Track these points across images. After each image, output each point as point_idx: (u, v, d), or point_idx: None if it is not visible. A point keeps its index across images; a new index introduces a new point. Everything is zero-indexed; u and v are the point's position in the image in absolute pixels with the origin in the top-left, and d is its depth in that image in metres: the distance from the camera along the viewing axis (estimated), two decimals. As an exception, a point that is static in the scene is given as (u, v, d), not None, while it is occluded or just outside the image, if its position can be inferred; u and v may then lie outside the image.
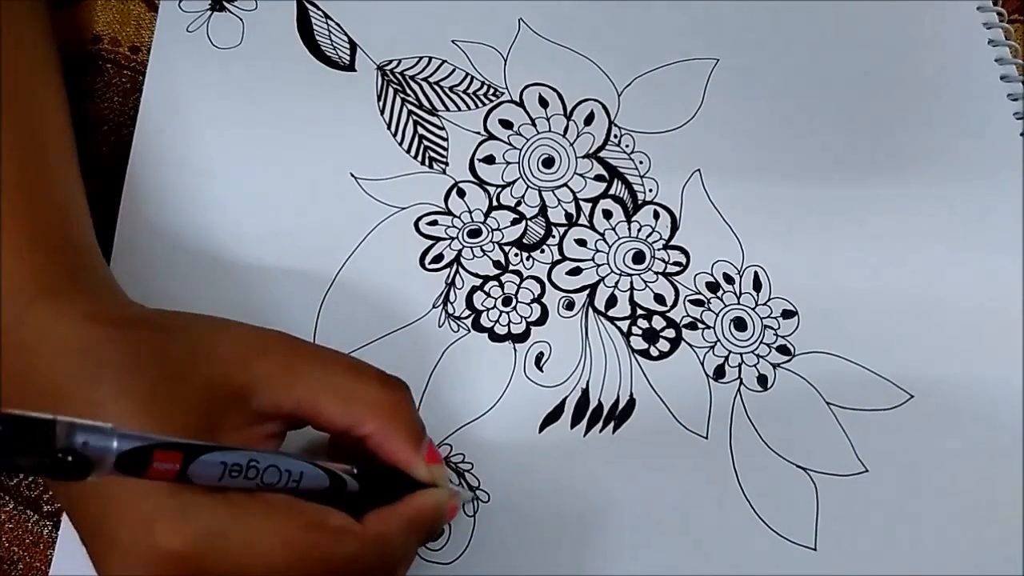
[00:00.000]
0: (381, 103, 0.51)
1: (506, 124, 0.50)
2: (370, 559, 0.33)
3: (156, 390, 0.32)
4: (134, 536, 0.30)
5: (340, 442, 0.38)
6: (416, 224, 0.48)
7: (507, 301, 0.47)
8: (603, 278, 0.47)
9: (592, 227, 0.48)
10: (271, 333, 0.36)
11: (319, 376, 0.35)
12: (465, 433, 0.44)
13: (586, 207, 0.49)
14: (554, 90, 0.51)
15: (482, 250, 0.48)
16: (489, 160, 0.50)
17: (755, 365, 0.45)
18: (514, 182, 0.49)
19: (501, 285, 0.47)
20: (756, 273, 0.47)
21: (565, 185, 0.49)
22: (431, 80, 0.51)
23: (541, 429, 0.44)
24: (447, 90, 0.51)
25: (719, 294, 0.47)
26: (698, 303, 0.47)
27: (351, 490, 0.35)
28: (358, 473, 0.35)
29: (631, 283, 0.47)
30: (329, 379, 0.36)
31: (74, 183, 0.41)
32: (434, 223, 0.48)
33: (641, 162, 0.50)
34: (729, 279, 0.47)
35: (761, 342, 0.46)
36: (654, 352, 0.46)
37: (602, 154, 0.50)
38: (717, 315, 0.47)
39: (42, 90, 0.42)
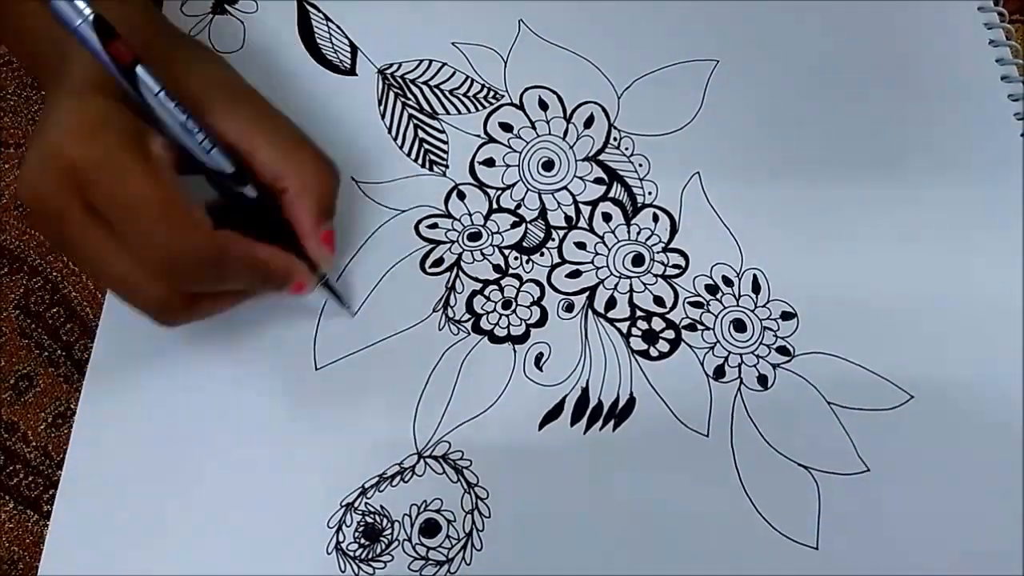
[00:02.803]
0: (382, 106, 0.51)
1: (506, 127, 0.50)
2: (200, 256, 0.38)
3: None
4: (51, 142, 0.36)
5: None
6: (416, 227, 0.48)
7: (507, 304, 0.47)
8: (603, 280, 0.47)
9: (592, 230, 0.48)
10: (246, 88, 0.42)
11: (267, 127, 0.41)
12: (464, 431, 0.44)
13: (586, 210, 0.49)
14: (554, 92, 0.51)
15: (482, 253, 0.48)
16: (489, 163, 0.50)
17: (755, 365, 0.45)
18: (514, 185, 0.49)
19: (501, 289, 0.47)
20: (755, 275, 0.47)
21: (565, 188, 0.49)
22: (431, 83, 0.51)
23: (541, 427, 0.44)
24: (447, 93, 0.51)
25: (718, 296, 0.47)
26: (697, 305, 0.47)
27: (247, 201, 0.41)
28: (258, 201, 0.41)
29: (630, 285, 0.47)
30: (275, 133, 0.41)
31: None
32: (434, 226, 0.48)
33: (641, 165, 0.50)
34: (728, 281, 0.47)
35: (761, 343, 0.46)
36: (654, 352, 0.46)
37: (602, 157, 0.50)
38: (716, 317, 0.46)
39: None
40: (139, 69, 0.36)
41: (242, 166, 0.40)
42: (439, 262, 0.47)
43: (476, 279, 0.47)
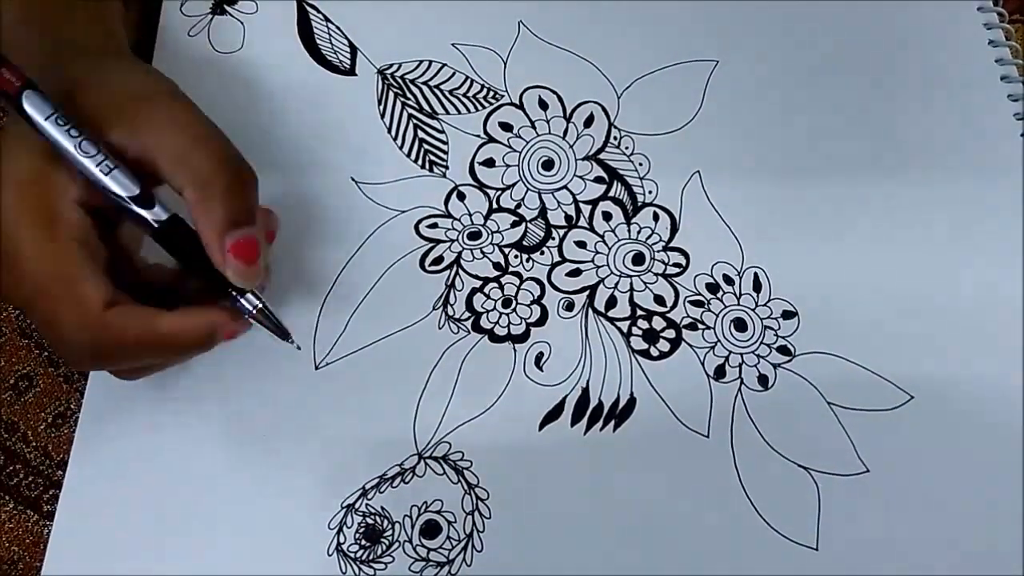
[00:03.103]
0: (381, 107, 0.51)
1: (506, 127, 0.50)
2: (91, 344, 0.35)
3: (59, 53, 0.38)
4: None
5: None
6: (416, 227, 0.48)
7: (507, 303, 0.47)
8: (603, 279, 0.47)
9: (592, 229, 0.48)
10: (161, 87, 0.38)
11: (168, 130, 0.37)
12: (464, 431, 0.44)
13: (586, 209, 0.49)
14: (554, 92, 0.51)
15: (482, 252, 0.48)
16: (489, 163, 0.50)
17: (755, 365, 0.45)
18: (514, 185, 0.49)
19: (501, 287, 0.47)
20: (756, 274, 0.47)
21: (565, 187, 0.49)
22: (431, 83, 0.51)
23: (541, 427, 0.44)
24: (447, 93, 0.51)
25: (719, 295, 0.47)
26: (698, 304, 0.47)
27: (155, 223, 0.37)
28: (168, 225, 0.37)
29: (631, 284, 0.47)
30: (175, 135, 0.37)
31: None
32: (434, 226, 0.48)
33: (641, 164, 0.50)
34: (729, 280, 0.47)
35: (761, 342, 0.46)
36: (654, 352, 0.46)
37: (602, 156, 0.50)
38: (717, 316, 0.46)
39: None
40: (25, 96, 0.34)
41: (147, 186, 0.37)
42: (439, 260, 0.47)
43: (476, 277, 0.47)
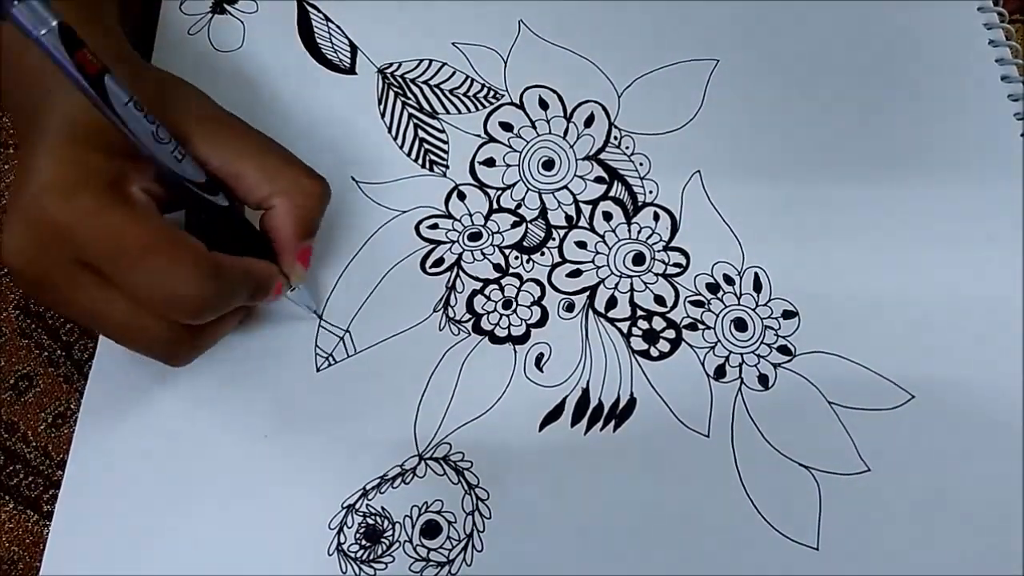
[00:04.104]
0: (382, 106, 0.51)
1: (506, 126, 0.50)
2: (200, 283, 0.37)
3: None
4: (29, 203, 0.36)
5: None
6: (417, 227, 0.48)
7: (507, 304, 0.47)
8: (603, 280, 0.47)
9: (592, 229, 0.48)
10: (227, 115, 0.42)
11: (252, 151, 0.41)
12: (464, 432, 0.44)
13: (586, 209, 0.49)
14: (554, 92, 0.51)
15: (482, 253, 0.48)
16: (489, 163, 0.50)
17: (756, 365, 0.45)
18: (514, 185, 0.49)
19: (501, 288, 0.47)
20: (756, 274, 0.47)
21: (565, 187, 0.49)
22: (431, 83, 0.51)
23: (541, 428, 0.44)
24: (447, 93, 0.51)
25: (719, 295, 0.47)
26: (698, 304, 0.47)
27: (217, 212, 0.40)
28: (228, 210, 0.41)
29: (631, 285, 0.47)
30: (261, 157, 0.41)
31: None
32: (435, 226, 0.48)
33: (641, 164, 0.50)
34: (729, 280, 0.47)
35: (762, 342, 0.46)
36: (654, 352, 0.46)
37: (602, 156, 0.50)
38: (717, 316, 0.46)
39: None
40: (107, 79, 0.34)
41: (212, 182, 0.40)
42: (439, 262, 0.47)
43: (476, 278, 0.47)
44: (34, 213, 0.35)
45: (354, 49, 0.52)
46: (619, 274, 0.47)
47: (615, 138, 0.50)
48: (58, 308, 0.44)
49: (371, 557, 0.42)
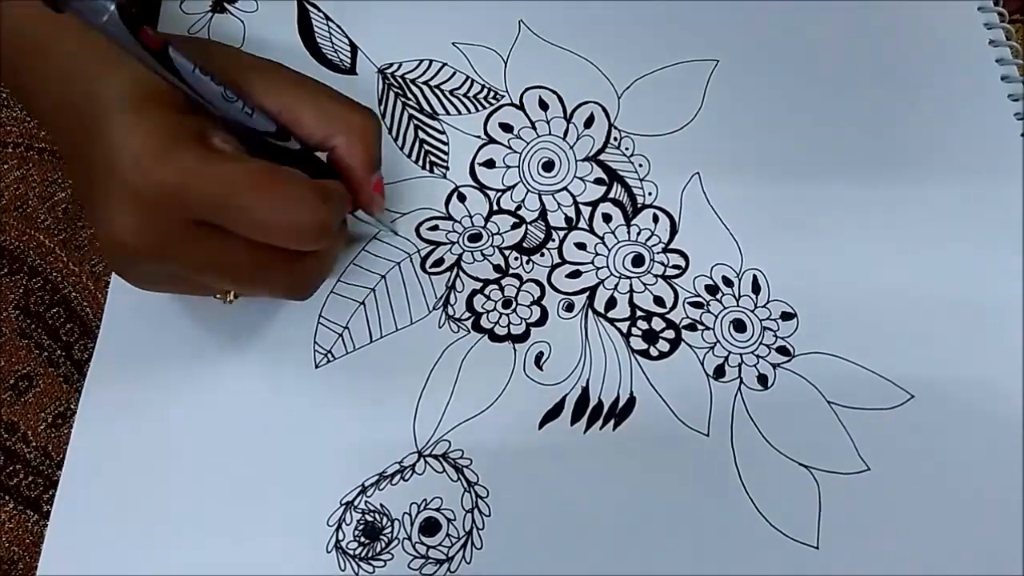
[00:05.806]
0: (382, 106, 0.51)
1: (506, 128, 0.51)
2: (316, 199, 0.38)
3: None
4: (126, 176, 0.35)
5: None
6: (417, 229, 0.48)
7: (507, 304, 0.47)
8: (603, 281, 0.47)
9: (592, 231, 0.48)
10: (266, 62, 0.42)
11: (305, 94, 0.41)
12: (464, 430, 0.44)
13: (586, 211, 0.49)
14: (554, 93, 0.51)
15: (482, 254, 0.48)
16: (489, 164, 0.50)
17: (755, 365, 0.45)
18: (514, 186, 0.49)
19: (501, 288, 0.47)
20: (755, 276, 0.47)
21: (565, 189, 0.49)
22: (431, 84, 0.51)
23: (541, 426, 0.44)
24: (447, 93, 0.51)
25: (718, 297, 0.47)
26: (697, 305, 0.47)
27: (292, 155, 0.41)
28: (302, 152, 0.41)
29: (630, 286, 0.47)
30: (314, 98, 0.41)
31: None
32: (435, 228, 0.48)
33: (641, 165, 0.50)
34: (728, 282, 0.47)
35: (761, 343, 0.46)
36: (654, 352, 0.46)
37: (602, 157, 0.50)
38: (716, 317, 0.46)
39: None
40: (171, 50, 0.35)
41: (280, 127, 0.41)
42: (439, 262, 0.47)
43: (476, 279, 0.47)
44: (136, 183, 0.35)
45: (354, 49, 0.52)
46: (618, 275, 0.47)
47: (615, 139, 0.50)
48: (177, 276, 0.40)
49: (370, 554, 0.42)
